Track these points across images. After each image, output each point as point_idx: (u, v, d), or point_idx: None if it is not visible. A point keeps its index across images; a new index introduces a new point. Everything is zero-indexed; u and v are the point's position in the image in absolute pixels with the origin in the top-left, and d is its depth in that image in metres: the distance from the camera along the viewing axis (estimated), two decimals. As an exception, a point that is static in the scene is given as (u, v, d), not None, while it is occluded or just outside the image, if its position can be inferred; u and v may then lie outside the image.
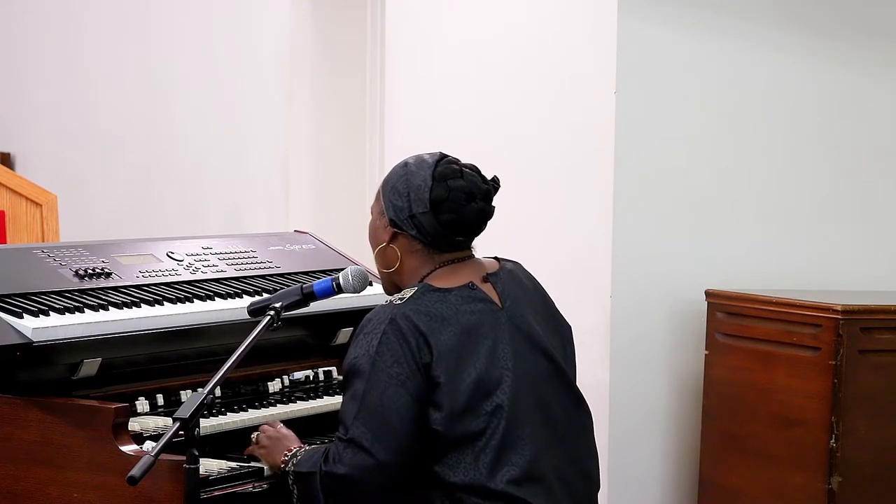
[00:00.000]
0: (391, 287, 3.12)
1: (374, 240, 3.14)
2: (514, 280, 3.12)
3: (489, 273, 3.10)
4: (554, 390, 3.05)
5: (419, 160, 3.09)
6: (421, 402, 2.92)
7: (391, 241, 3.08)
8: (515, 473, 2.93)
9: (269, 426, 3.21)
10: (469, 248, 3.13)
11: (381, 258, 3.12)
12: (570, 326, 3.19)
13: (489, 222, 3.13)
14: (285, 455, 3.08)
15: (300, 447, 3.10)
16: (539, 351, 3.05)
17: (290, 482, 3.03)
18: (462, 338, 2.96)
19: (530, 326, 3.06)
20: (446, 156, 3.11)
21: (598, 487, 3.13)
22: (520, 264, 3.20)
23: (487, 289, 3.06)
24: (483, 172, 3.12)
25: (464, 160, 3.17)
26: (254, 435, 3.21)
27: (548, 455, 3.00)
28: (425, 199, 3.03)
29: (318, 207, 6.03)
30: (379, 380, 2.91)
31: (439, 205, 3.02)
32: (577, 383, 3.15)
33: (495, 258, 3.18)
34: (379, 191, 3.13)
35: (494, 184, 3.12)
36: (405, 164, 3.10)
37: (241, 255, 3.78)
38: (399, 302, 2.98)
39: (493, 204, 3.10)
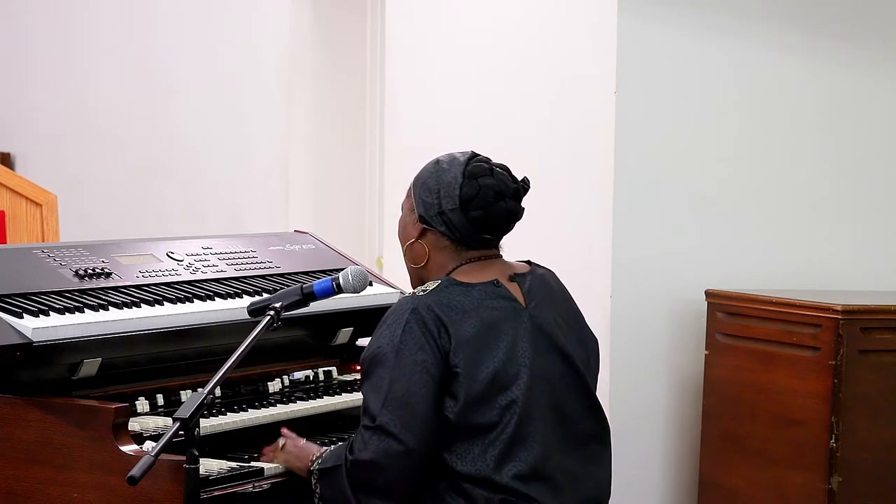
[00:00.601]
0: (418, 282, 3.14)
1: (403, 235, 3.17)
2: (542, 284, 3.13)
3: (516, 273, 3.12)
4: (570, 394, 3.06)
5: (451, 158, 3.12)
6: (443, 389, 2.94)
7: (420, 236, 3.10)
8: (522, 469, 2.94)
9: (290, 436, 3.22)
10: (497, 247, 3.15)
11: (410, 253, 3.14)
12: (596, 340, 3.20)
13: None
14: (313, 457, 3.09)
15: (327, 449, 3.11)
16: (559, 354, 3.06)
17: (314, 481, 3.04)
18: (481, 331, 2.97)
19: (553, 329, 3.07)
20: (477, 154, 3.14)
21: (607, 496, 3.13)
22: (552, 272, 3.21)
23: (513, 288, 3.08)
24: (514, 173, 3.14)
25: (501, 164, 3.18)
26: (280, 442, 3.21)
27: (558, 455, 3.00)
28: (455, 196, 3.05)
29: (318, 207, 6.03)
30: (404, 367, 2.94)
31: (468, 202, 3.05)
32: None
33: (527, 262, 3.20)
34: (410, 188, 3.15)
35: (524, 184, 3.14)
36: (437, 162, 3.13)
37: (241, 255, 3.78)
38: (422, 293, 3.00)
39: (523, 205, 3.13)
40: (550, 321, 3.08)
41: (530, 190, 3.18)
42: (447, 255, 3.10)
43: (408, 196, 3.16)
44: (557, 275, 3.24)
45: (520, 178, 3.14)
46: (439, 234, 3.09)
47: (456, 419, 2.92)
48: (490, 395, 2.95)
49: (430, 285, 3.03)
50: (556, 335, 3.07)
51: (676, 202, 4.74)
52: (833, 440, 4.22)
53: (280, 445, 3.18)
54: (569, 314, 3.16)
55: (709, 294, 4.65)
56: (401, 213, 3.19)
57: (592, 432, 3.11)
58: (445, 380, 2.94)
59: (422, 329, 2.95)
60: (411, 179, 3.18)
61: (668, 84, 4.71)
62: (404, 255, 3.17)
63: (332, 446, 3.13)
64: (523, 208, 3.13)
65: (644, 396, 4.72)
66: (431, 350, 2.94)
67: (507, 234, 3.15)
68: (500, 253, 3.17)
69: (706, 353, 4.66)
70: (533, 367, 3.00)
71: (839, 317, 4.23)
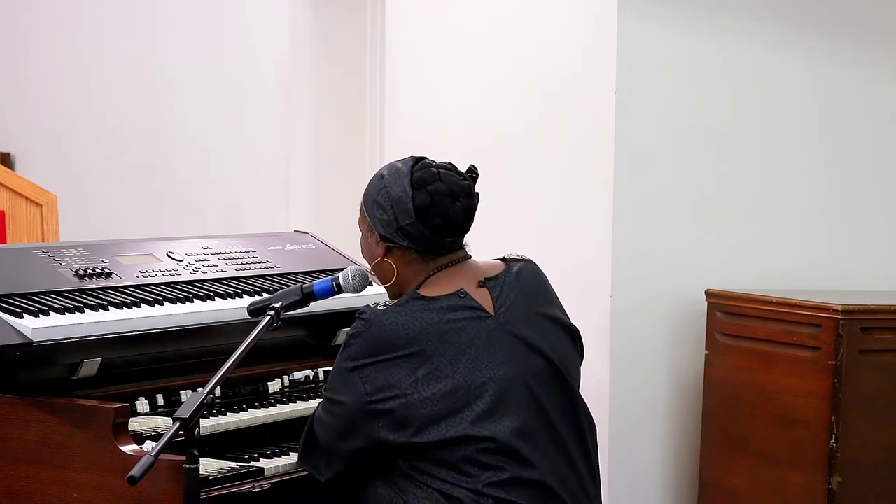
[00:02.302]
0: (395, 296, 3.12)
1: (368, 255, 3.15)
2: (518, 282, 3.08)
3: (487, 278, 3.08)
4: (552, 393, 3.03)
5: (393, 170, 3.08)
6: (378, 412, 2.95)
7: (386, 255, 3.08)
8: (503, 477, 2.92)
9: None
10: (462, 246, 3.12)
11: (379, 273, 3.13)
12: (576, 329, 3.17)
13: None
14: None
15: None
16: (536, 354, 3.02)
17: None
18: (439, 349, 2.95)
19: (526, 331, 3.03)
20: (420, 159, 3.10)
21: (598, 492, 3.12)
22: (532, 263, 3.16)
23: (481, 294, 3.04)
24: (459, 167, 3.10)
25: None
26: None
27: (545, 459, 2.98)
28: (409, 210, 3.03)
29: (318, 207, 6.03)
30: (337, 369, 3.03)
31: (424, 212, 3.02)
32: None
33: (503, 259, 3.17)
34: (362, 207, 3.13)
35: (473, 174, 3.11)
36: (381, 177, 3.09)
37: (241, 255, 3.78)
38: (382, 308, 3.00)
39: (476, 193, 3.09)
40: (524, 322, 3.04)
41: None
42: (416, 268, 3.08)
43: (362, 216, 3.14)
44: (551, 277, 3.19)
45: (466, 171, 3.10)
46: (404, 248, 3.07)
47: (419, 441, 2.91)
48: (452, 411, 2.93)
49: (392, 302, 3.03)
50: (530, 337, 3.03)
51: (676, 202, 4.74)
52: (833, 440, 4.22)
53: None
54: (547, 308, 3.12)
55: (709, 294, 4.66)
56: (360, 234, 3.16)
57: (578, 428, 3.08)
58: (380, 402, 2.95)
59: (364, 345, 2.97)
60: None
61: (668, 84, 4.71)
62: (374, 275, 3.16)
63: None
64: (477, 200, 3.10)
65: (644, 396, 4.72)
66: (364, 363, 2.96)
67: (469, 230, 3.11)
68: (469, 254, 3.14)
69: (706, 353, 4.66)
70: (503, 377, 2.97)
71: (839, 317, 4.23)
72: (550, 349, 3.05)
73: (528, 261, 3.17)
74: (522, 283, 3.10)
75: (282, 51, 6.05)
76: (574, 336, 3.15)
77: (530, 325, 3.05)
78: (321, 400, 3.12)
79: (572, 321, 3.18)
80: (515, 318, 3.04)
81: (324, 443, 3.05)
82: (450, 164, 3.11)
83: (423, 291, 3.03)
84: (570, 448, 3.04)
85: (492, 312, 3.03)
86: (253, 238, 3.93)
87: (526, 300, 3.08)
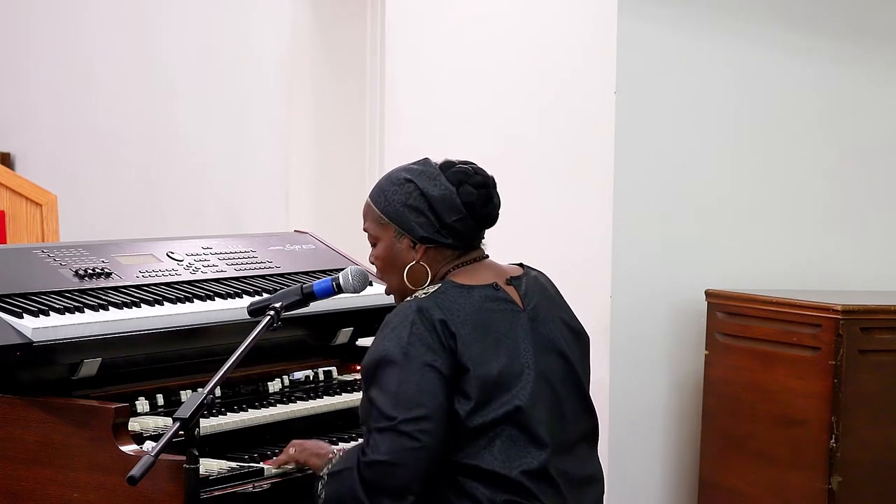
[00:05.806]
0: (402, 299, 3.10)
1: (395, 263, 3.09)
2: (537, 285, 3.14)
3: (512, 276, 3.12)
4: (568, 394, 3.08)
5: (417, 173, 3.07)
6: (453, 387, 2.93)
7: (421, 258, 3.07)
8: (532, 465, 2.94)
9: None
10: (482, 243, 3.15)
11: (412, 277, 3.07)
12: (588, 337, 3.19)
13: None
14: (331, 454, 3.07)
15: (341, 450, 3.10)
16: (558, 354, 3.07)
17: (321, 486, 2.99)
18: (484, 333, 2.97)
19: (551, 330, 3.08)
20: (430, 160, 3.12)
21: (602, 495, 3.14)
22: (544, 274, 3.22)
23: (511, 291, 3.08)
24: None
25: (463, 160, 3.17)
26: (290, 449, 3.18)
27: (558, 456, 3.00)
28: (458, 206, 3.04)
29: (318, 207, 6.03)
30: (413, 368, 2.90)
31: (472, 206, 3.05)
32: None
33: (520, 264, 3.20)
34: (378, 216, 3.08)
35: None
36: (407, 181, 3.06)
37: (241, 255, 3.78)
38: (423, 296, 2.99)
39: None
40: (548, 322, 3.09)
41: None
42: (445, 265, 3.09)
43: (382, 227, 3.08)
44: (552, 276, 3.24)
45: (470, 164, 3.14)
46: (443, 247, 3.07)
47: (466, 417, 2.92)
48: (498, 394, 2.95)
49: (430, 288, 3.02)
50: (554, 336, 3.08)
51: (676, 202, 4.74)
52: (833, 440, 4.22)
53: (291, 452, 3.16)
54: (564, 314, 3.16)
55: (709, 294, 4.66)
56: (376, 248, 3.10)
57: (585, 432, 3.12)
58: (455, 378, 2.93)
59: (428, 330, 2.93)
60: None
61: (668, 84, 4.71)
62: (406, 278, 3.06)
63: (344, 449, 3.11)
64: None
65: (644, 396, 4.72)
66: (439, 350, 2.91)
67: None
68: (487, 254, 3.16)
69: (706, 353, 4.66)
70: (536, 368, 3.01)
71: (839, 317, 4.23)
72: (570, 352, 3.11)
73: (542, 272, 3.23)
74: (542, 286, 3.16)
75: (282, 51, 6.05)
76: (586, 343, 3.19)
77: (555, 326, 3.10)
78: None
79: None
80: (542, 317, 3.09)
81: (392, 404, 2.88)
82: (468, 161, 3.15)
83: (457, 280, 3.04)
84: (578, 451, 3.09)
85: (522, 308, 3.07)
86: (253, 238, 3.93)
87: (548, 303, 3.14)
